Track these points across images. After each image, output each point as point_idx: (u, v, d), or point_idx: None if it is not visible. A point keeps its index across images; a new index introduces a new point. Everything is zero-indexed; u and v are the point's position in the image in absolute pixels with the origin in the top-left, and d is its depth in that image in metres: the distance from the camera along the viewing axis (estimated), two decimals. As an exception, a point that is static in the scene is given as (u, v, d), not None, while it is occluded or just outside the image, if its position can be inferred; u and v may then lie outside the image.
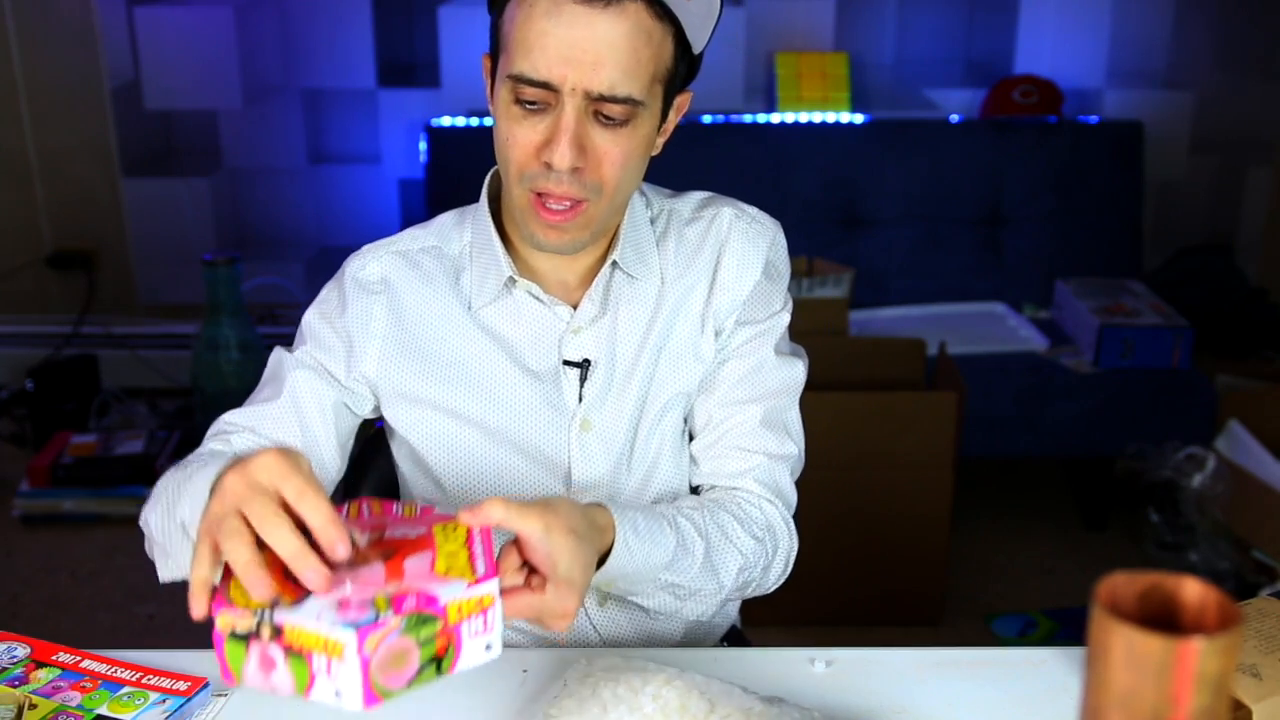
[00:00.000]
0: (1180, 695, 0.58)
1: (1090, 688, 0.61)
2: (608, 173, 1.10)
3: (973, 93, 3.55)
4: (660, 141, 1.18)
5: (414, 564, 0.87)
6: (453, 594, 0.83)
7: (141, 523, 1.09)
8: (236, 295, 3.04)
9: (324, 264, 3.80)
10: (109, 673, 1.06)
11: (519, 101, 1.09)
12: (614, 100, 1.07)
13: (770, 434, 1.22)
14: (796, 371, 1.26)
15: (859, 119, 3.30)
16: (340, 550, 0.84)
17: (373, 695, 0.80)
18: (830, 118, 3.31)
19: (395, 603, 0.81)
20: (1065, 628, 2.59)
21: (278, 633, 0.81)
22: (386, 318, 1.23)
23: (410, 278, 1.24)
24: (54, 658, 1.08)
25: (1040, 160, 3.22)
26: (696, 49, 1.14)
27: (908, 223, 3.21)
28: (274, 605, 0.82)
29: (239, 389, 3.04)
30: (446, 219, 1.29)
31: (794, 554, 1.26)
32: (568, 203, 1.11)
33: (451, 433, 1.22)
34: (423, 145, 3.24)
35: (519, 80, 1.07)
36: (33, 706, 1.02)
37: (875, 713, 1.05)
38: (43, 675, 1.06)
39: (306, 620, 0.80)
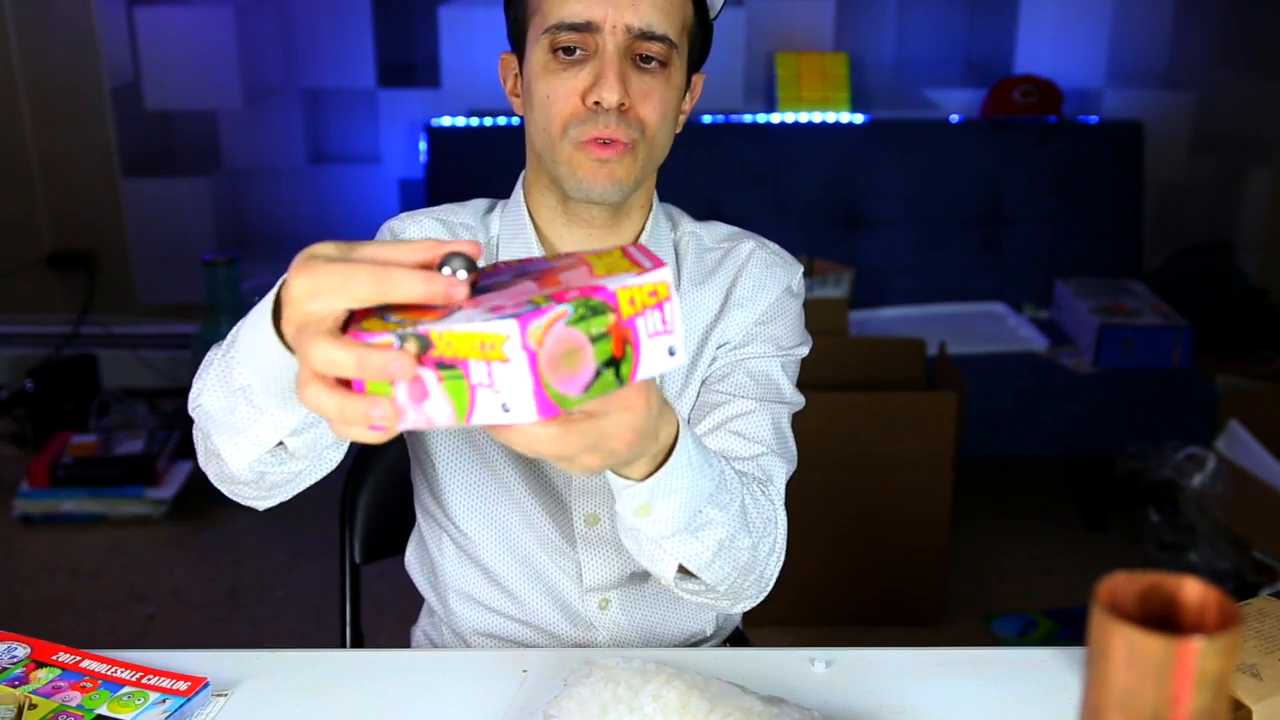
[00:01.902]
0: (1180, 695, 0.58)
1: (1090, 688, 0.61)
2: (648, 114, 1.12)
3: (973, 93, 3.55)
4: (681, 120, 1.19)
5: (569, 275, 0.74)
6: (620, 282, 0.71)
7: (193, 410, 0.98)
8: (236, 295, 3.03)
9: (324, 264, 3.79)
10: (109, 673, 1.06)
11: (556, 52, 1.10)
12: (652, 38, 1.10)
13: (774, 435, 1.21)
14: (799, 400, 1.24)
15: (859, 119, 3.30)
16: (462, 274, 0.73)
17: (547, 402, 0.68)
18: (830, 118, 3.31)
19: (556, 298, 0.69)
20: (1065, 628, 2.59)
21: (425, 347, 0.68)
22: None
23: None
24: (54, 658, 1.08)
25: (1040, 160, 3.22)
26: (712, 11, 1.18)
27: (908, 223, 3.21)
28: (416, 322, 0.69)
29: (239, 389, 3.05)
30: (480, 204, 1.28)
31: (783, 552, 1.23)
32: (617, 145, 1.11)
33: None
34: (423, 145, 3.24)
35: (559, 28, 1.10)
36: (33, 706, 1.02)
37: (875, 713, 1.05)
38: (43, 675, 1.06)
39: (457, 324, 0.68)
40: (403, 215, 1.25)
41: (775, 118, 3.30)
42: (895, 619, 2.58)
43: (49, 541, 2.93)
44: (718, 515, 0.98)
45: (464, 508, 1.24)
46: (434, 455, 1.24)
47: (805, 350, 1.25)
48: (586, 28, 1.09)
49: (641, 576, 1.26)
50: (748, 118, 3.29)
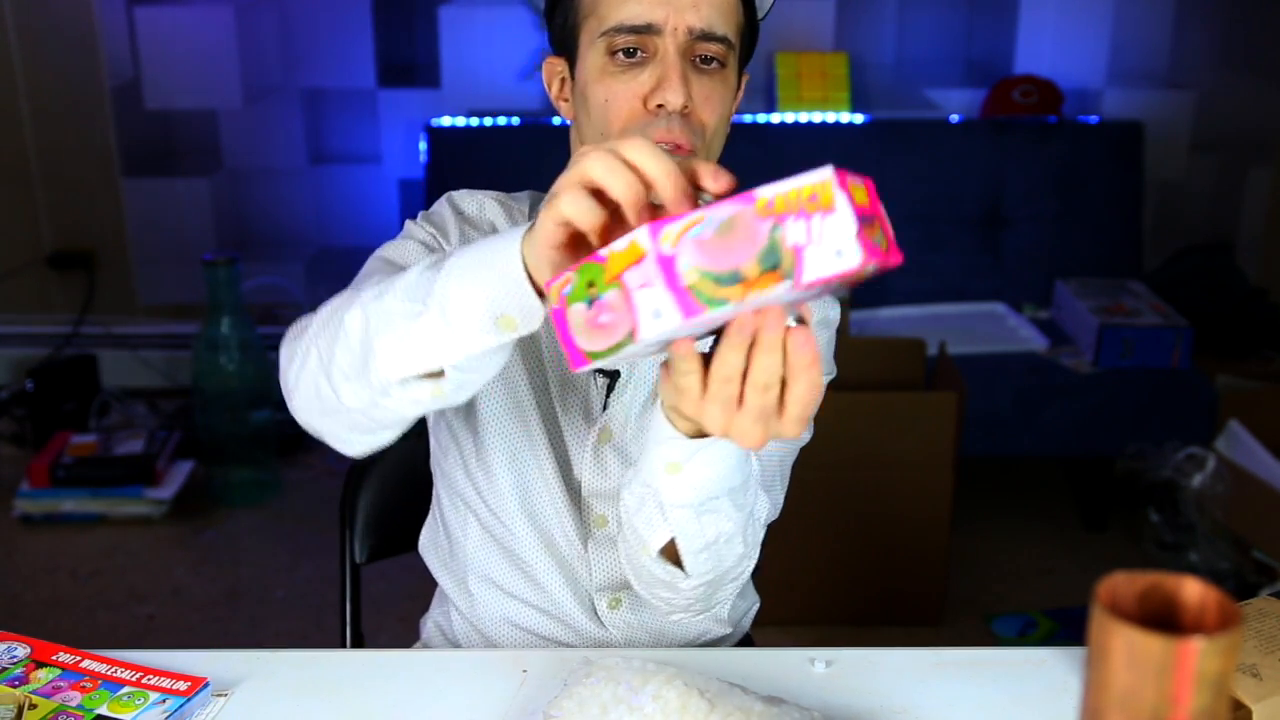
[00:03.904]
0: (1180, 695, 0.58)
1: (1090, 688, 0.61)
2: (709, 117, 1.11)
3: (973, 93, 3.55)
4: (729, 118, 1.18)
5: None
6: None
7: (326, 319, 0.96)
8: (236, 295, 3.03)
9: (324, 264, 3.79)
10: (109, 673, 1.06)
11: (614, 55, 1.09)
12: (713, 38, 1.09)
13: (770, 474, 1.19)
14: (807, 438, 1.21)
15: (859, 119, 3.30)
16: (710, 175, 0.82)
17: (872, 246, 0.73)
18: (830, 118, 3.31)
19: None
20: (1065, 628, 2.59)
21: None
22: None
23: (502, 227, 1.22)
24: (54, 658, 1.08)
25: (1040, 160, 3.22)
26: (760, 12, 1.17)
27: (908, 223, 3.20)
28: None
29: (239, 389, 3.05)
30: (532, 196, 1.27)
31: (738, 590, 1.18)
32: (675, 147, 1.09)
33: (499, 390, 1.20)
34: (423, 145, 3.24)
35: (618, 31, 1.08)
36: (33, 706, 1.02)
37: (875, 713, 1.05)
38: (43, 675, 1.06)
39: (770, 188, 0.74)
40: (463, 191, 1.25)
41: (775, 118, 3.29)
42: (895, 619, 2.58)
43: (49, 541, 2.93)
44: (729, 510, 0.98)
45: (501, 487, 1.22)
46: (481, 427, 1.21)
47: (827, 380, 1.23)
48: (647, 29, 1.08)
49: None
50: (748, 118, 3.29)
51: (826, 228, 0.72)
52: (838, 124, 3.28)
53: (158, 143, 3.85)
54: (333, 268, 3.78)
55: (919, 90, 3.61)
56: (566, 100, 1.18)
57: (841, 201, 0.72)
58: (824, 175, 0.73)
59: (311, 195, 3.87)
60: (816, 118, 3.30)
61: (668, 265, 0.73)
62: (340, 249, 3.85)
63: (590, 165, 0.80)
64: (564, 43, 1.16)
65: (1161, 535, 2.76)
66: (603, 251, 0.75)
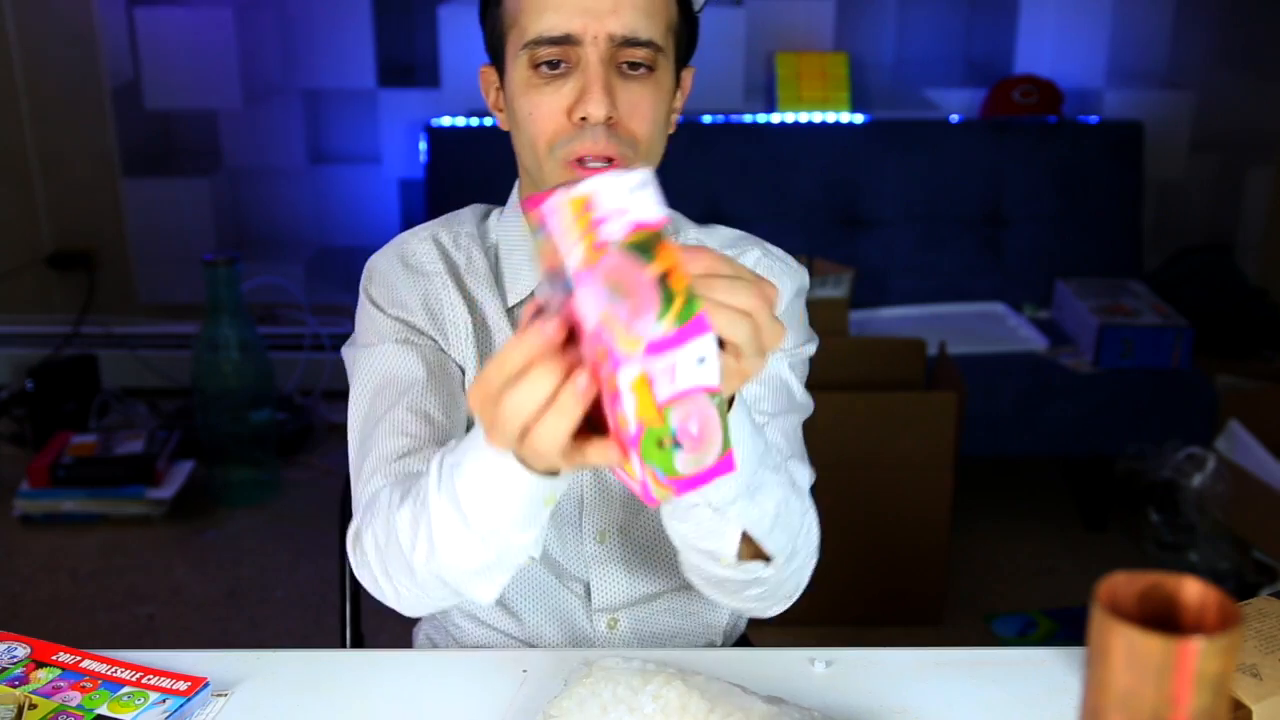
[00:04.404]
0: (1180, 695, 0.58)
1: (1090, 688, 0.61)
2: (639, 127, 1.08)
3: (973, 93, 3.55)
4: (673, 119, 1.16)
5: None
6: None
7: (372, 525, 1.04)
8: (236, 295, 3.03)
9: (324, 264, 3.79)
10: (109, 673, 1.06)
11: (538, 67, 1.07)
12: (637, 44, 1.06)
13: (789, 443, 1.18)
14: (809, 405, 1.22)
15: (859, 119, 3.30)
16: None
17: None
18: (830, 118, 3.31)
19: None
20: (1065, 628, 2.59)
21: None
22: (440, 293, 1.19)
23: (451, 264, 1.21)
24: (54, 658, 1.08)
25: (1040, 160, 3.22)
26: (696, 6, 1.14)
27: (908, 223, 3.21)
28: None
29: (239, 389, 3.05)
30: (477, 210, 1.26)
31: (817, 556, 1.18)
32: (605, 160, 1.08)
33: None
34: (423, 145, 3.24)
35: (538, 43, 1.06)
36: (33, 706, 1.02)
37: (875, 713, 1.05)
38: (43, 675, 1.06)
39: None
40: (406, 235, 1.23)
41: (775, 118, 3.29)
42: (895, 619, 2.58)
43: (49, 541, 2.93)
44: (770, 477, 0.97)
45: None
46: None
47: (812, 349, 1.24)
48: (566, 40, 1.05)
49: (651, 594, 1.24)
50: (748, 118, 3.29)
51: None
52: (838, 124, 3.28)
53: (158, 143, 3.85)
54: (333, 268, 3.78)
55: (919, 90, 3.61)
56: (501, 110, 1.17)
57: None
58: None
59: (311, 195, 3.87)
60: (816, 118, 3.30)
61: (656, 349, 0.74)
62: (340, 249, 3.85)
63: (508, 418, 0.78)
64: (494, 52, 1.15)
65: (1161, 535, 2.76)
66: (633, 426, 0.75)
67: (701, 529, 0.98)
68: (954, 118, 3.36)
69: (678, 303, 0.73)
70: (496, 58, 1.15)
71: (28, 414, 3.36)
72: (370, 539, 1.04)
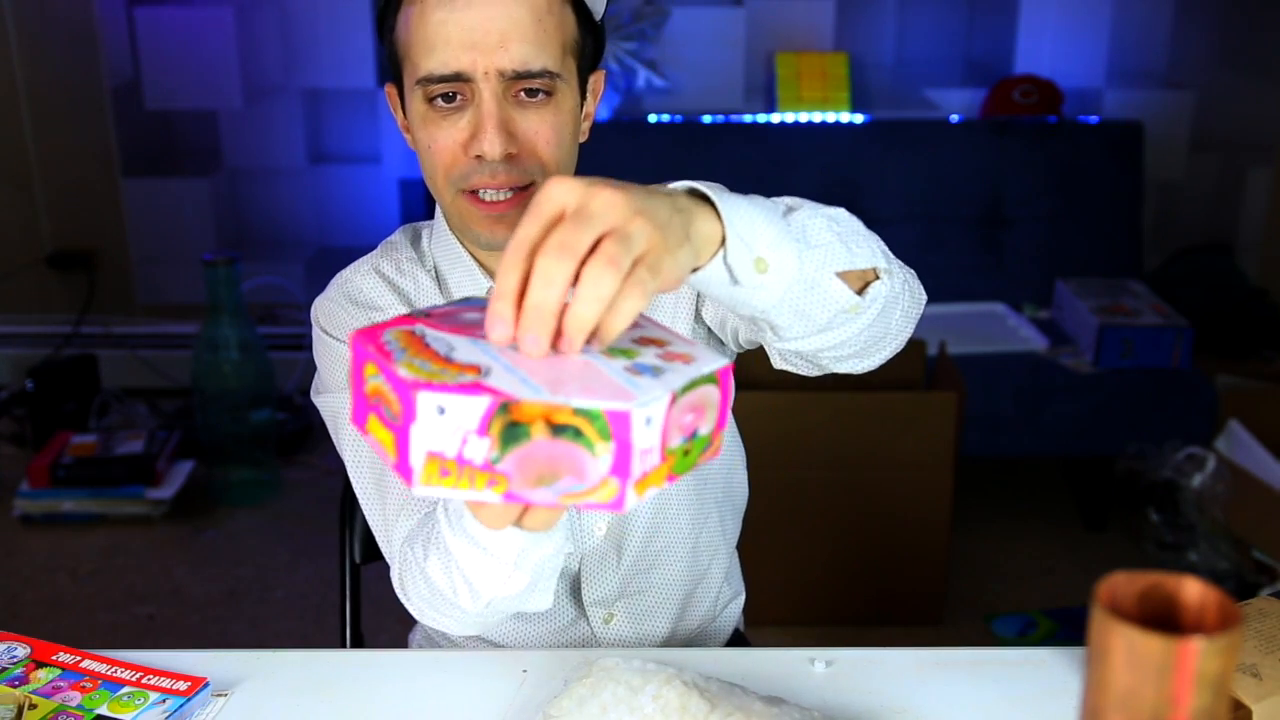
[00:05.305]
0: (1180, 695, 0.58)
1: (1090, 688, 0.61)
2: (545, 153, 1.07)
3: (973, 93, 3.55)
4: (585, 126, 1.14)
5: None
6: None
7: (411, 578, 1.05)
8: (236, 295, 3.03)
9: (324, 264, 3.79)
10: (109, 673, 1.06)
11: (432, 103, 1.06)
12: (530, 75, 1.04)
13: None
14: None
15: (859, 119, 3.30)
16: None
17: None
18: (830, 118, 3.31)
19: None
20: (1065, 628, 2.59)
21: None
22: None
23: (400, 294, 1.19)
24: (54, 658, 1.08)
25: (1040, 160, 3.22)
26: (597, 15, 1.12)
27: (908, 223, 3.21)
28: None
29: (239, 389, 3.04)
30: (407, 233, 1.24)
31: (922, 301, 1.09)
32: (508, 191, 1.07)
33: None
34: (423, 145, 3.24)
35: (429, 81, 1.04)
36: (33, 706, 1.02)
37: (875, 713, 1.05)
38: (43, 675, 1.06)
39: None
40: (346, 273, 1.21)
41: (775, 118, 3.29)
42: (895, 619, 2.58)
43: (49, 541, 2.93)
44: (819, 209, 0.88)
45: None
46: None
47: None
48: (457, 78, 1.03)
49: (641, 589, 1.25)
50: (748, 118, 3.29)
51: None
52: (838, 124, 3.28)
53: (158, 143, 3.85)
54: (333, 268, 3.75)
55: (919, 90, 3.61)
56: (409, 132, 1.15)
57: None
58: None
59: (311, 195, 3.87)
60: (816, 118, 3.30)
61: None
62: (340, 249, 3.85)
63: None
64: (395, 76, 1.13)
65: (1161, 535, 2.76)
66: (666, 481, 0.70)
67: (809, 301, 0.87)
68: (954, 118, 3.36)
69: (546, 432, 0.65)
70: (397, 82, 1.13)
71: (28, 414, 3.36)
72: (415, 593, 1.06)
